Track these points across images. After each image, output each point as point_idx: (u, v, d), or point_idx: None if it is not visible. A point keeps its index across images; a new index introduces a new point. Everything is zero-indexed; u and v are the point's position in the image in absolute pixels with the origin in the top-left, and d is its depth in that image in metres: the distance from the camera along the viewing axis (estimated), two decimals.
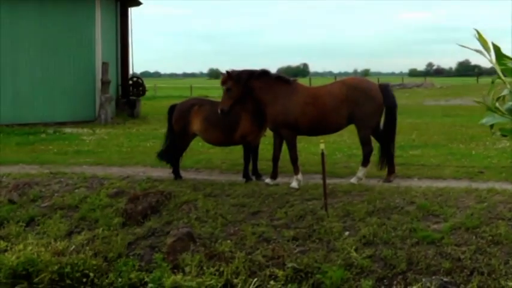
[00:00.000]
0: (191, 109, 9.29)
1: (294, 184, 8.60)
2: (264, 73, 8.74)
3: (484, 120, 1.89)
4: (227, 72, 8.70)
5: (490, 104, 1.86)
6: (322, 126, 8.66)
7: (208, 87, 54.12)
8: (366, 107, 8.45)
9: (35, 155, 12.57)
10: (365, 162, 8.71)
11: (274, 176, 8.91)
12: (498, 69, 1.83)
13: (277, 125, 8.65)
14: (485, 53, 1.86)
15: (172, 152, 9.51)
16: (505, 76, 1.85)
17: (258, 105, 8.71)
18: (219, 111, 8.61)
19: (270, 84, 8.64)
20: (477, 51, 1.87)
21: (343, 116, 8.51)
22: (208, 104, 9.47)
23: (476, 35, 1.87)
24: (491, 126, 1.91)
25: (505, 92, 1.87)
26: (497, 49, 1.84)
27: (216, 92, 44.22)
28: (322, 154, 7.88)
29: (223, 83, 8.73)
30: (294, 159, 8.71)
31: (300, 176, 8.69)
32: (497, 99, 1.89)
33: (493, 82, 1.91)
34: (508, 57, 1.84)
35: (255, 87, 8.61)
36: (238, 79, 8.56)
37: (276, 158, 8.88)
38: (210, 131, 9.14)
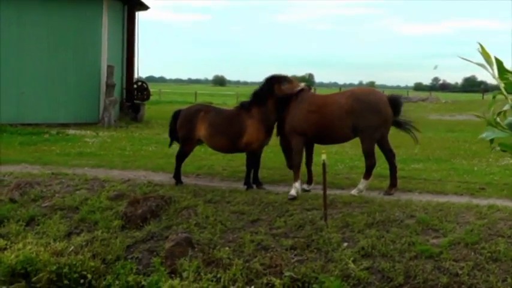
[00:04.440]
0: (197, 115, 9.31)
1: (293, 192, 8.58)
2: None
3: (483, 135, 1.89)
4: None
5: (490, 118, 1.86)
6: (327, 134, 8.71)
7: (213, 94, 54.23)
8: (370, 119, 8.40)
9: (37, 155, 12.60)
10: (367, 175, 8.68)
11: (309, 181, 9.25)
12: (500, 83, 1.83)
13: (287, 132, 8.86)
14: (488, 67, 1.86)
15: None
16: (507, 91, 1.86)
17: (265, 111, 8.83)
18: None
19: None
20: (479, 65, 1.87)
21: (348, 126, 8.51)
22: (214, 110, 9.50)
23: (480, 49, 1.87)
24: (491, 140, 1.91)
25: (506, 107, 1.87)
26: (499, 63, 1.84)
27: (220, 99, 44.34)
28: (324, 164, 7.89)
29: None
30: (296, 166, 8.74)
31: (297, 184, 8.67)
32: (498, 114, 1.89)
33: (494, 97, 1.91)
34: (510, 72, 1.84)
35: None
36: None
37: (307, 164, 9.18)
38: (216, 138, 9.15)
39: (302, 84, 8.87)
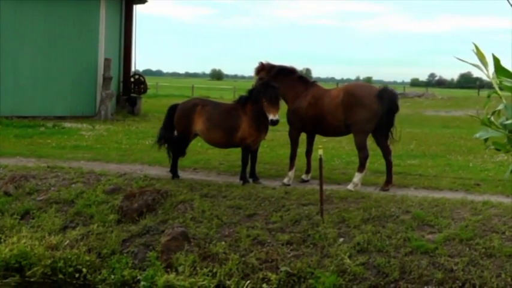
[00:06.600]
0: (194, 109, 9.28)
1: (285, 180, 9.17)
2: (292, 71, 9.40)
3: (478, 135, 1.89)
4: (261, 62, 9.42)
5: (484, 118, 1.86)
6: (321, 127, 9.05)
7: (210, 88, 54.15)
8: (358, 113, 8.61)
9: (33, 148, 12.57)
10: (361, 167, 8.77)
11: (307, 171, 9.47)
12: (495, 82, 1.83)
13: (288, 122, 9.17)
14: (483, 67, 1.85)
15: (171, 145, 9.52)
16: (501, 90, 1.85)
17: (258, 109, 8.77)
18: None
19: (293, 82, 9.18)
20: (474, 65, 1.86)
21: (340, 120, 8.75)
22: (211, 104, 9.48)
23: (475, 49, 1.86)
24: (486, 139, 1.91)
25: (501, 106, 1.87)
26: (496, 61, 1.83)
27: (217, 93, 44.24)
28: (320, 160, 7.90)
29: (257, 72, 9.42)
30: (292, 156, 9.25)
31: (291, 174, 9.22)
32: (493, 113, 1.89)
33: (489, 96, 1.90)
34: (507, 70, 1.83)
35: (282, 83, 9.03)
36: (270, 71, 9.26)
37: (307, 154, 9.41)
38: (213, 132, 9.13)
39: (275, 117, 8.47)
